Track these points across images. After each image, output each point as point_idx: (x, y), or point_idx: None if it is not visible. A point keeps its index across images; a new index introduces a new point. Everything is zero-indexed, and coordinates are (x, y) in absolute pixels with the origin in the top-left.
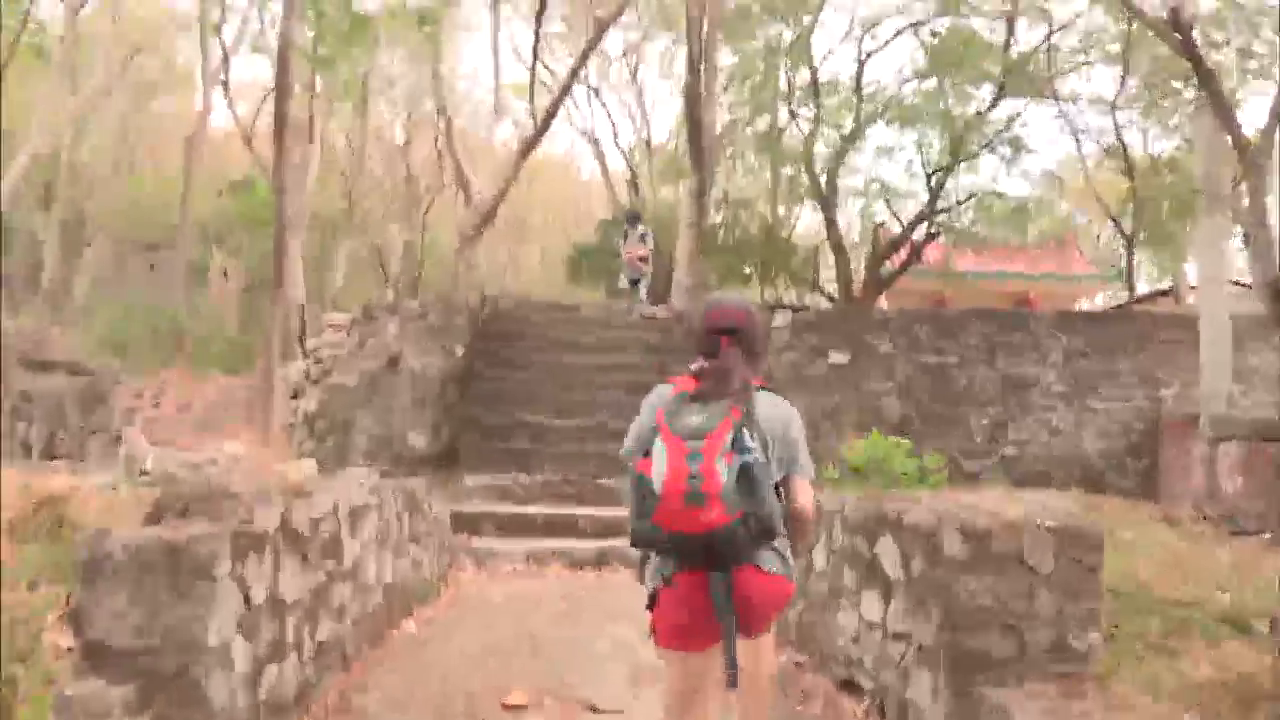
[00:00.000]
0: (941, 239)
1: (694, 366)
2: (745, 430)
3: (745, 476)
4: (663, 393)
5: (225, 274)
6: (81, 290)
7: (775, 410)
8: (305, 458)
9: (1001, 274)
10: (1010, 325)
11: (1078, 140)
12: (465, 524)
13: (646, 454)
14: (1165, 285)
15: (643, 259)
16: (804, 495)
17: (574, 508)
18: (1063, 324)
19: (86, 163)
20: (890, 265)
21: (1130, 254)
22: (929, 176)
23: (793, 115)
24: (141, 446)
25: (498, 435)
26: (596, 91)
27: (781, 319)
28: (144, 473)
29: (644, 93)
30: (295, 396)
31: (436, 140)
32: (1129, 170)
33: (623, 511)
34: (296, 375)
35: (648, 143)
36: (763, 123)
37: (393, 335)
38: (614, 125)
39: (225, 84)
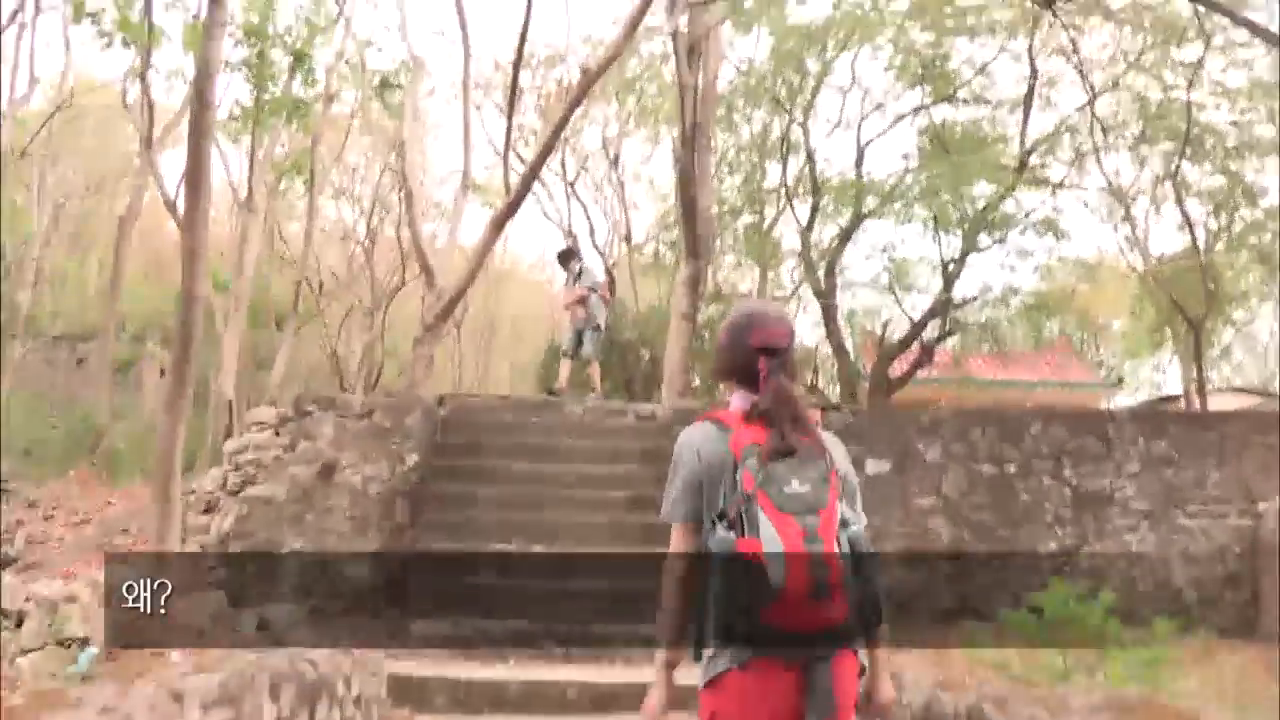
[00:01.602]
0: (951, 340)
1: (740, 400)
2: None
3: (854, 552)
4: (708, 435)
5: (162, 371)
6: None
7: (837, 448)
8: (215, 589)
9: (1022, 382)
10: (1081, 427)
11: (1118, 225)
12: (409, 695)
13: (727, 523)
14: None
15: (581, 301)
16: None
17: (559, 669)
18: (1142, 425)
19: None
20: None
21: (1197, 342)
22: (945, 266)
23: (790, 205)
24: None
25: (457, 566)
26: (573, 187)
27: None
28: None
29: (624, 187)
30: (207, 511)
31: (398, 226)
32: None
33: (629, 676)
34: (211, 484)
35: (627, 239)
36: (752, 216)
37: (328, 438)
38: (590, 223)
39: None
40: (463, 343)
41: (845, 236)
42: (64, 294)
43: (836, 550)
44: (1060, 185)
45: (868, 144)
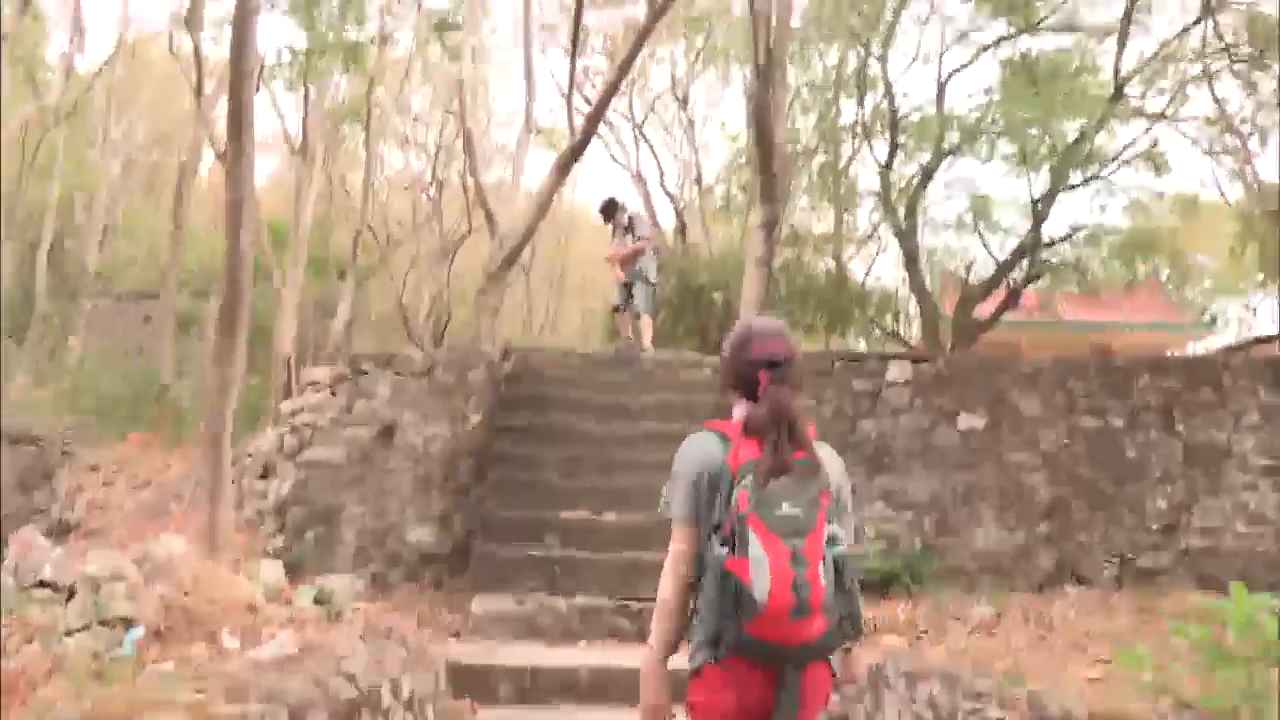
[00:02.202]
0: (1039, 282)
1: (741, 411)
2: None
3: (837, 571)
4: (708, 447)
5: None
6: (76, 344)
7: (831, 462)
8: (272, 558)
9: (1111, 324)
10: (1193, 376)
11: (1220, 158)
12: (468, 684)
13: (721, 537)
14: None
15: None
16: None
17: (635, 652)
18: (1260, 373)
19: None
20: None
21: None
22: (1034, 205)
23: (868, 143)
24: (35, 553)
25: (522, 535)
26: (641, 130)
27: (899, 371)
28: (44, 584)
29: (694, 128)
30: (265, 475)
31: (463, 173)
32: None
33: None
34: (269, 447)
35: (698, 182)
36: (827, 156)
37: (386, 398)
38: (660, 166)
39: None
40: (532, 290)
41: (926, 175)
42: (131, 250)
43: (820, 572)
44: (1160, 116)
45: (949, 77)
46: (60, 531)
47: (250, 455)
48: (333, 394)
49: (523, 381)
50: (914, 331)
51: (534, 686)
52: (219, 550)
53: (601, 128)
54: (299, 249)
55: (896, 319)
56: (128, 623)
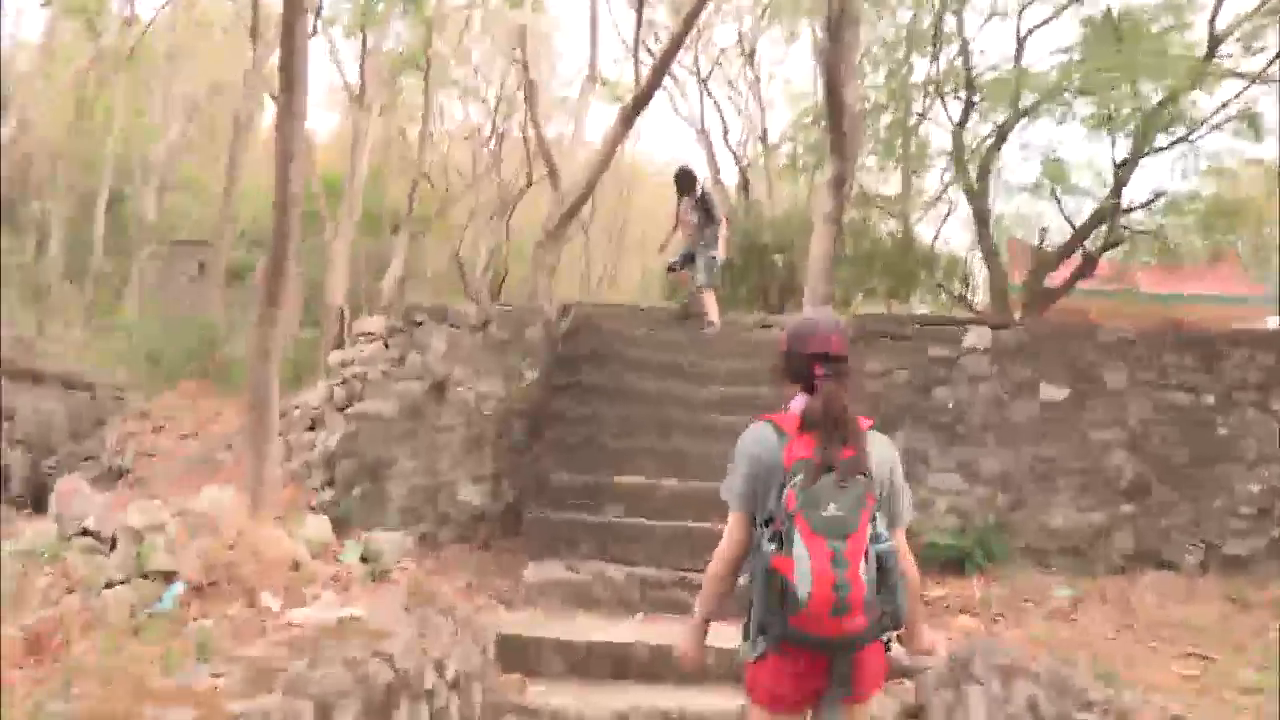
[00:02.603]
0: (1115, 250)
1: (798, 403)
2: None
3: (880, 568)
4: (765, 441)
5: None
6: (132, 295)
7: (882, 452)
8: (318, 512)
9: (1189, 296)
10: None
11: None
12: (518, 657)
13: (771, 532)
14: None
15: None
16: (908, 558)
17: None
18: None
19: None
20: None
21: None
22: (1117, 168)
23: (941, 101)
24: (79, 501)
25: (578, 500)
26: (706, 84)
27: (977, 338)
28: (86, 532)
29: (759, 84)
30: (313, 428)
31: (524, 124)
32: None
33: None
34: (318, 399)
35: (763, 139)
36: (897, 114)
37: (439, 352)
38: (724, 122)
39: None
40: (591, 245)
41: (1001, 135)
42: (189, 203)
43: (860, 571)
44: (1258, 78)
45: (1028, 34)
46: (111, 478)
47: (298, 408)
48: (385, 346)
49: (581, 338)
50: (980, 298)
51: (588, 662)
52: (263, 507)
53: (666, 81)
54: (354, 200)
55: (966, 284)
56: (169, 577)
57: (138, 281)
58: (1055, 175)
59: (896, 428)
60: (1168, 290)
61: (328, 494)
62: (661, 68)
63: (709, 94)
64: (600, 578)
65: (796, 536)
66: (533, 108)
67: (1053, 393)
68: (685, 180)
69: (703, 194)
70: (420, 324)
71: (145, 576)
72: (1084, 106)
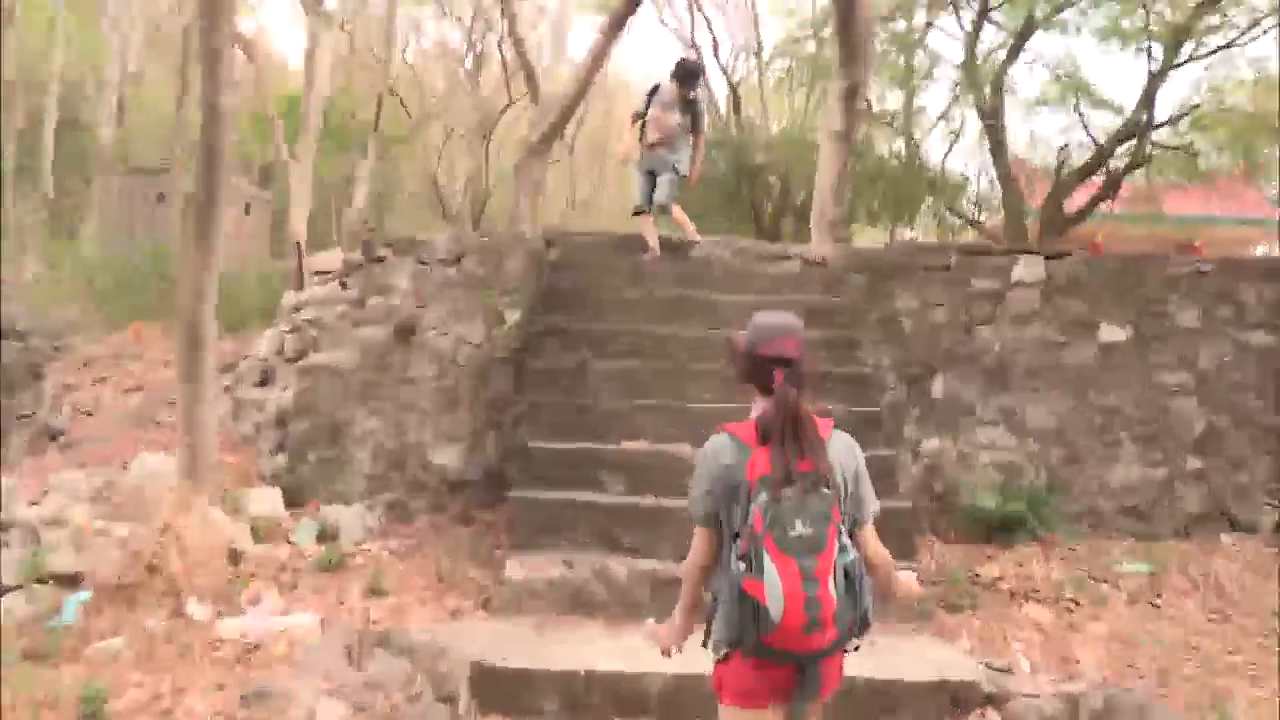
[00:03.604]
0: (1139, 170)
1: (757, 409)
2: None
3: (848, 577)
4: (726, 456)
5: (247, 209)
6: (89, 228)
7: (844, 454)
8: (269, 483)
9: (1201, 218)
10: None
11: None
12: (498, 694)
13: (739, 551)
14: None
15: (661, 143)
16: (878, 547)
17: None
18: None
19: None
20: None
21: None
22: (1152, 77)
23: (954, 9)
24: None
25: (571, 474)
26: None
27: (1028, 270)
28: None
29: None
30: (263, 383)
31: (501, 39)
32: None
33: None
34: (267, 349)
35: (758, 53)
36: (904, 22)
37: (407, 290)
38: (714, 36)
39: None
40: (575, 165)
41: (1016, 47)
42: (147, 125)
43: (830, 587)
44: None
45: None
46: (49, 438)
47: (246, 358)
48: (343, 286)
49: (570, 272)
50: (992, 224)
51: (589, 697)
52: (200, 482)
53: None
54: (312, 114)
55: (978, 208)
56: (74, 581)
57: (95, 212)
58: (1079, 88)
59: (932, 375)
60: (1183, 212)
61: (280, 460)
62: None
63: (698, 8)
64: (601, 575)
65: (765, 558)
66: (510, 13)
67: (1114, 333)
68: (687, 72)
69: (695, 96)
70: (382, 259)
71: (43, 581)
72: (1100, 17)
